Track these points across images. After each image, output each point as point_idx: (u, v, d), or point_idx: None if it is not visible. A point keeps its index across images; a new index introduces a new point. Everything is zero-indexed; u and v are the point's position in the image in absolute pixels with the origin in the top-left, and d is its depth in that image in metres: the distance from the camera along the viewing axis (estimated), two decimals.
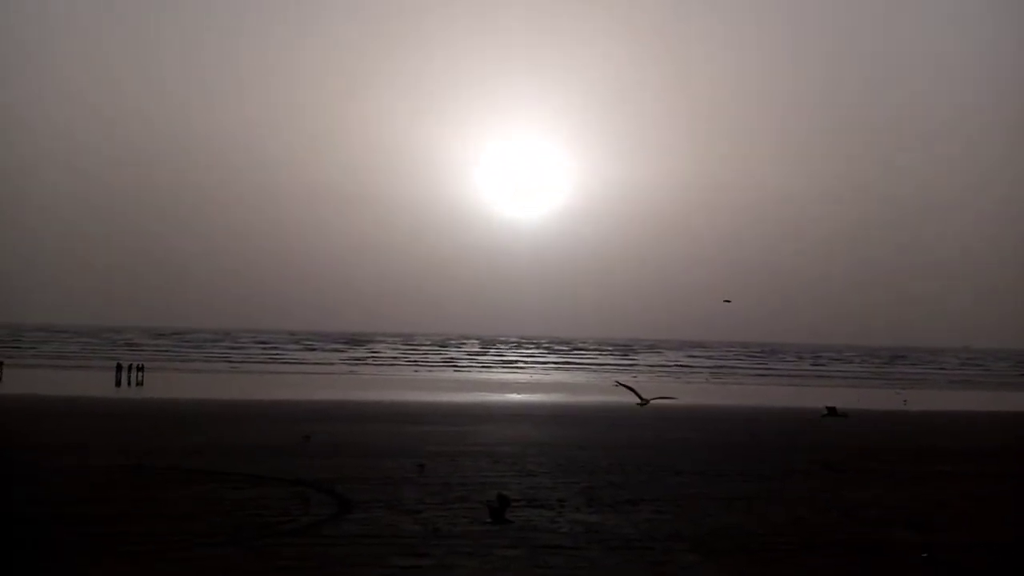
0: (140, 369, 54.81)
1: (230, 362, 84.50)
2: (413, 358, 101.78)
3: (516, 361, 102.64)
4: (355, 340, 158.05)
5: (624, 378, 71.14)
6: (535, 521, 13.81)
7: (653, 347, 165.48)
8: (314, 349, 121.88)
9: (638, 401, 19.13)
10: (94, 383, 49.27)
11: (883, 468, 20.70)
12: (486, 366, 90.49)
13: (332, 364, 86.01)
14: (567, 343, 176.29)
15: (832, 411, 17.59)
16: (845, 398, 54.08)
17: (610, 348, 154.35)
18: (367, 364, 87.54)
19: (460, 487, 16.69)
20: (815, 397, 53.49)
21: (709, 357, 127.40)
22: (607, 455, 21.80)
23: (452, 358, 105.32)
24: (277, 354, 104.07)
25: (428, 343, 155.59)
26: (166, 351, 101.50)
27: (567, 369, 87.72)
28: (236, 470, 17.92)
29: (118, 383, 49.37)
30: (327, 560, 11.17)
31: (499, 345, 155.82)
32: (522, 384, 60.25)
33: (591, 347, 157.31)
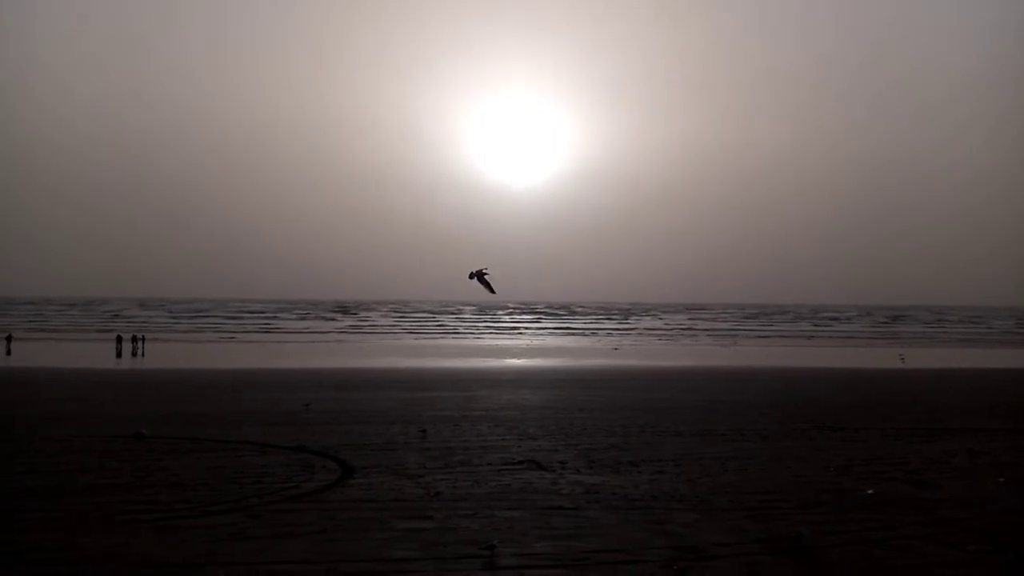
0: (141, 340, 54.98)
1: (226, 332, 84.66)
2: (411, 325, 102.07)
3: (514, 326, 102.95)
4: (350, 308, 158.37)
5: (620, 342, 71.42)
6: (536, 484, 13.93)
7: (652, 310, 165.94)
8: (309, 317, 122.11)
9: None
10: (94, 355, 49.39)
11: (882, 426, 20.87)
12: (484, 332, 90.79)
13: (329, 332, 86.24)
14: (565, 308, 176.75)
15: None
16: (843, 357, 54.41)
17: (609, 312, 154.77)
18: (364, 332, 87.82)
19: (461, 451, 16.82)
20: (813, 356, 53.83)
21: (709, 319, 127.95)
22: (607, 418, 21.95)
23: (450, 325, 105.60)
24: (272, 324, 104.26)
25: (425, 310, 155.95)
26: (157, 322, 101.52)
27: (565, 334, 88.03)
28: (238, 438, 18.03)
29: (119, 354, 49.51)
30: (331, 524, 11.28)
31: (497, 311, 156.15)
32: (521, 349, 60.50)
33: (589, 312, 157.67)
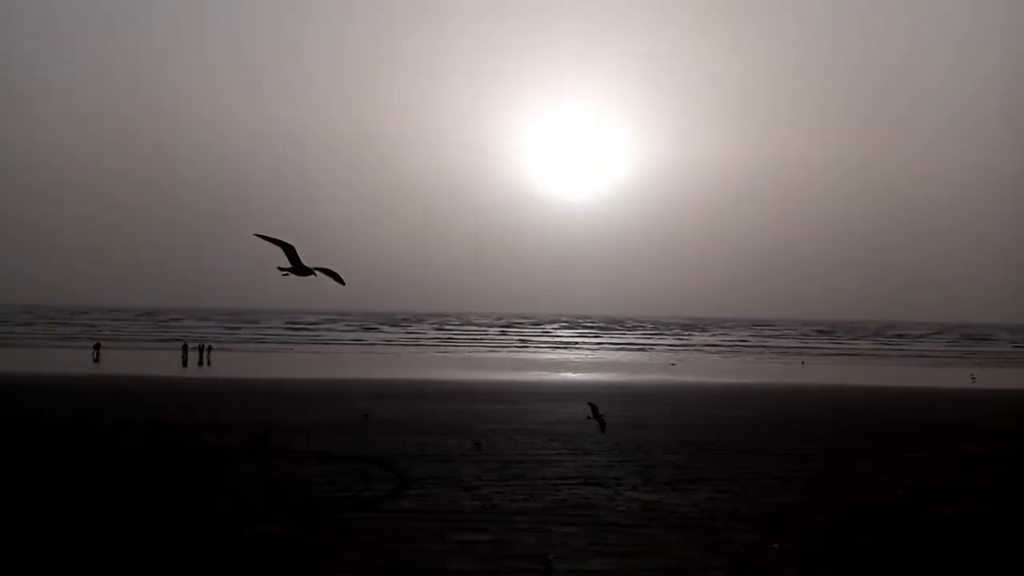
0: (208, 349, 56.61)
1: (283, 342, 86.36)
2: (465, 338, 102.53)
3: (570, 340, 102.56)
4: (404, 320, 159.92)
5: (677, 357, 70.45)
6: (592, 499, 13.80)
7: (713, 325, 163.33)
8: (363, 329, 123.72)
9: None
10: (162, 363, 50.95)
11: (951, 448, 20.10)
12: (540, 345, 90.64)
13: (384, 344, 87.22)
14: (622, 322, 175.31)
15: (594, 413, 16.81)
16: (913, 376, 52.62)
17: (668, 327, 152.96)
18: (420, 344, 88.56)
19: (517, 464, 16.79)
20: (881, 375, 52.21)
21: (774, 335, 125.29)
22: (664, 434, 21.65)
23: (507, 337, 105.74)
24: (326, 335, 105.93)
25: (483, 323, 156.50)
26: (215, 332, 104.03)
27: (622, 349, 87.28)
28: (298, 447, 18.34)
29: (185, 363, 50.99)
30: (388, 534, 11.36)
31: (554, 324, 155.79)
32: (577, 363, 60.19)
33: (648, 326, 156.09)
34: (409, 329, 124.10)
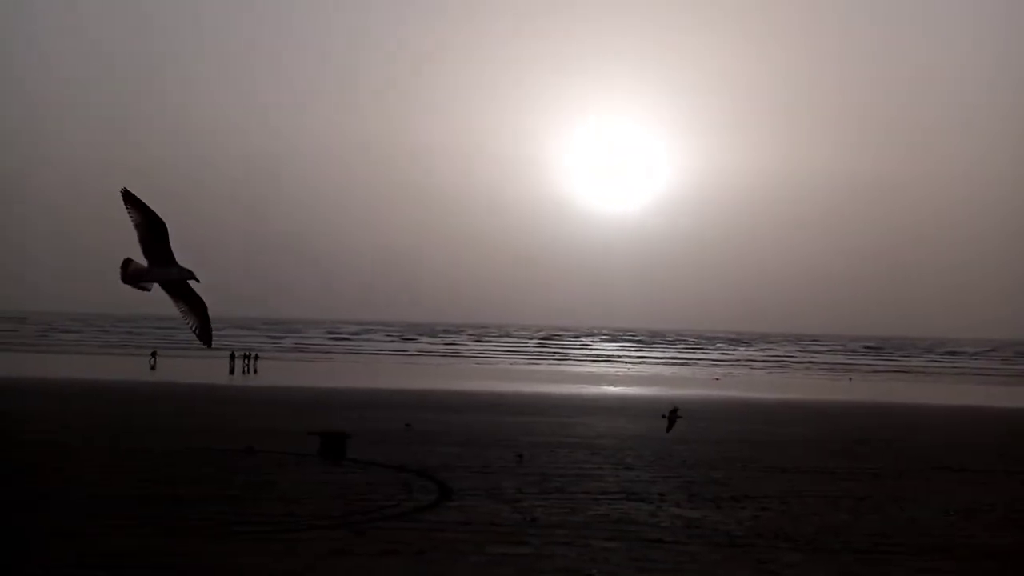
0: (255, 358, 57.63)
1: (326, 351, 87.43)
2: (506, 350, 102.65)
3: (612, 354, 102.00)
4: (444, 331, 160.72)
5: (721, 372, 69.56)
6: (634, 515, 13.70)
7: (759, 340, 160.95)
8: (409, 339, 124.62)
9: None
10: (210, 371, 51.98)
11: (1008, 468, 19.49)
12: (581, 358, 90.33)
13: (426, 355, 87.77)
14: (664, 336, 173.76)
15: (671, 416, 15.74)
16: (966, 394, 51.16)
17: (713, 341, 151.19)
18: (461, 355, 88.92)
19: (558, 478, 16.74)
20: (933, 392, 50.86)
21: (822, 351, 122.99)
22: (708, 450, 21.40)
23: (547, 350, 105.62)
24: (368, 345, 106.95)
25: (524, 334, 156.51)
26: (258, 341, 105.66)
27: (665, 363, 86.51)
28: (343, 455, 18.54)
29: (232, 371, 51.96)
30: (430, 544, 11.43)
31: (594, 337, 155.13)
32: (618, 377, 59.83)
33: (691, 340, 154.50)
34: (449, 340, 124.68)
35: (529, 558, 10.97)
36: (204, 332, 8.18)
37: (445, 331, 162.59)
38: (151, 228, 7.79)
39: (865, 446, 23.14)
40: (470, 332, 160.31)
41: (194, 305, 8.09)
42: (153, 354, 60.10)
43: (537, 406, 33.09)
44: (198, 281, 7.99)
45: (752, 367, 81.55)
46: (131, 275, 7.72)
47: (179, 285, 8.00)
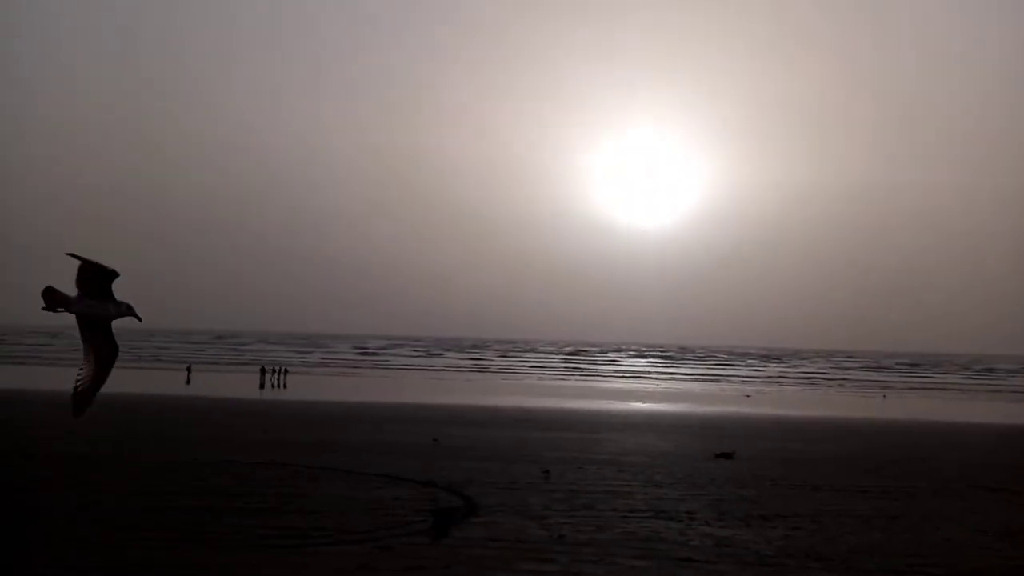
0: (284, 372, 58.22)
1: (353, 366, 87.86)
2: (533, 365, 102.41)
3: (641, 370, 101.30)
4: (471, 346, 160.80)
5: (752, 388, 68.76)
6: (663, 533, 13.54)
7: (791, 356, 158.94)
8: (435, 354, 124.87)
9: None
10: (239, 385, 52.53)
11: None
12: (610, 374, 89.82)
13: (453, 369, 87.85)
14: (695, 352, 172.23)
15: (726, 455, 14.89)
16: (1009, 413, 50.01)
17: (742, 357, 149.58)
18: (488, 370, 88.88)
19: (586, 495, 16.62)
20: (970, 410, 49.80)
21: (857, 367, 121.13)
22: (738, 468, 21.12)
23: (574, 366, 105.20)
24: (393, 359, 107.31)
25: (551, 350, 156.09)
26: (284, 356, 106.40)
27: (695, 379, 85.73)
28: (370, 470, 18.60)
29: (262, 385, 52.48)
30: (456, 561, 11.38)
31: (622, 353, 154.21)
32: (648, 393, 59.39)
33: (721, 356, 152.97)
34: (475, 355, 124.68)
35: (557, 575, 10.87)
36: (86, 392, 6.92)
37: (472, 346, 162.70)
38: (102, 272, 7.24)
39: (899, 464, 22.69)
40: (496, 347, 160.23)
41: (103, 354, 7.12)
42: (188, 368, 61.20)
43: (564, 422, 32.93)
44: (140, 320, 7.42)
45: (784, 384, 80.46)
46: (55, 303, 7.02)
47: (102, 324, 7.20)
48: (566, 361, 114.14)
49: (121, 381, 52.63)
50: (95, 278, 7.16)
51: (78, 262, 7.22)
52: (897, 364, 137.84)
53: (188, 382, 52.80)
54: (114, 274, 7.13)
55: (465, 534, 12.93)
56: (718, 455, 11.27)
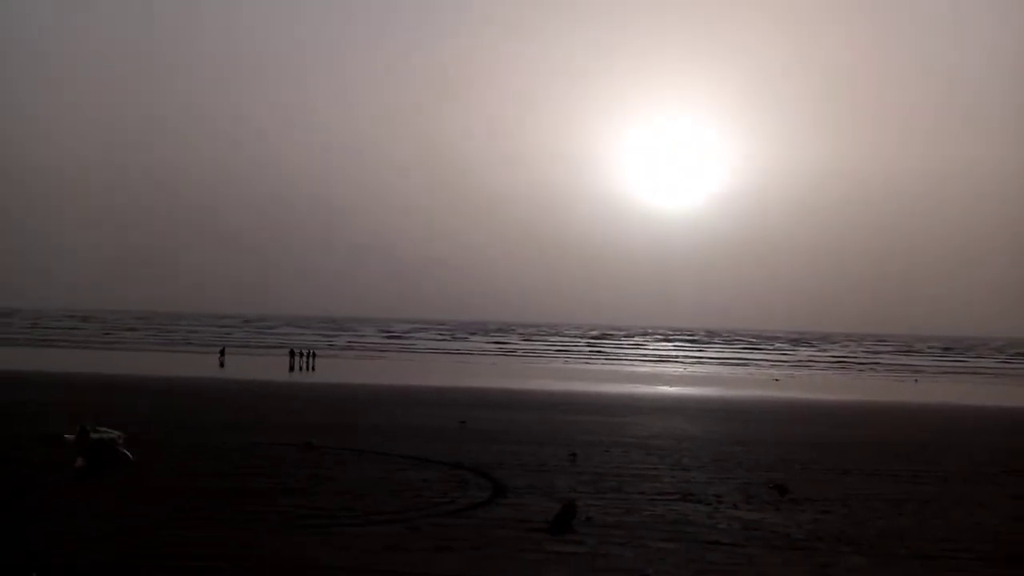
0: (312, 356, 58.81)
1: (381, 349, 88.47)
2: (561, 349, 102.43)
3: (669, 354, 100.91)
4: (498, 330, 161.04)
5: (781, 372, 68.24)
6: (691, 516, 13.55)
7: (823, 340, 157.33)
8: (460, 338, 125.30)
9: None
10: (270, 368, 53.17)
11: None
12: (636, 358, 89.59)
13: (481, 353, 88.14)
14: (721, 335, 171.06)
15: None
16: None
17: (770, 341, 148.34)
18: (516, 354, 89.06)
19: (613, 478, 16.66)
20: (1003, 394, 49.02)
21: (889, 351, 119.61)
22: (766, 452, 21.03)
23: (601, 349, 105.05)
24: (424, 343, 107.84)
25: (576, 333, 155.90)
26: (311, 339, 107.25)
27: (722, 363, 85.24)
28: (399, 452, 18.78)
29: (292, 368, 53.07)
30: (485, 542, 11.49)
31: (649, 337, 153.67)
32: (675, 377, 59.18)
33: (750, 340, 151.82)
34: (500, 339, 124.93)
35: (585, 557, 10.94)
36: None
37: (497, 330, 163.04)
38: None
39: (931, 449, 22.44)
40: (521, 331, 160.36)
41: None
42: (222, 351, 62.05)
43: (591, 405, 32.95)
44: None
45: (813, 368, 79.74)
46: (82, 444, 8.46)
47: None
48: (591, 345, 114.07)
49: (155, 365, 53.35)
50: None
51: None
52: (929, 348, 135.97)
53: (222, 365, 53.56)
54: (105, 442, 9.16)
55: (493, 515, 13.05)
56: (772, 487, 10.63)
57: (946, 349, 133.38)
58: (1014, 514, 14.38)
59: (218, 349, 65.65)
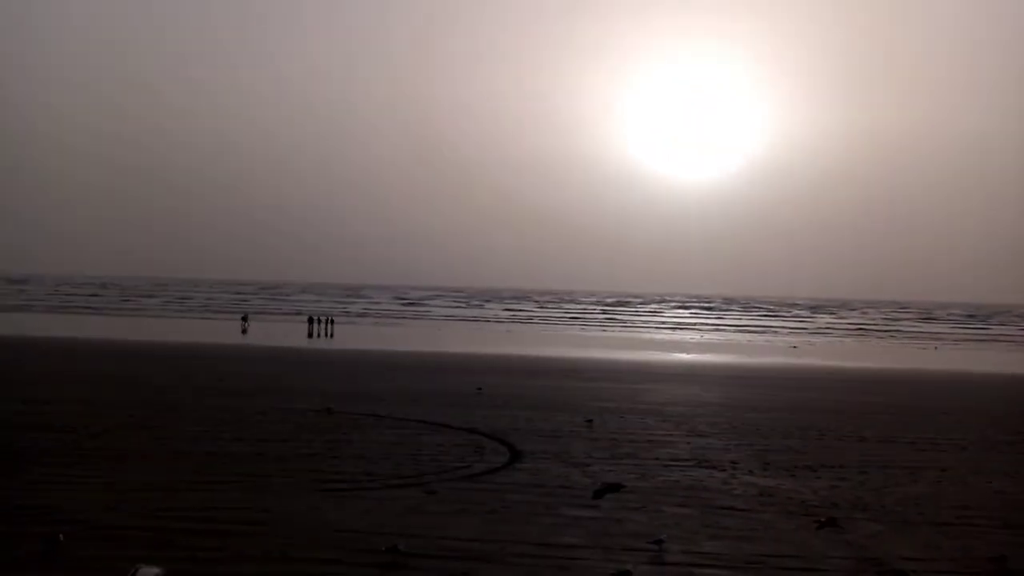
0: (331, 322, 59.18)
1: (394, 316, 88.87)
2: (577, 316, 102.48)
3: (686, 321, 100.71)
4: (511, 297, 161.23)
5: (799, 340, 67.99)
6: (706, 482, 13.60)
7: (843, 308, 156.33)
8: (475, 305, 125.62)
9: None
10: (290, 334, 53.63)
11: None
12: (655, 325, 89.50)
13: (496, 321, 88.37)
14: (739, 302, 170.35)
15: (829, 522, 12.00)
16: None
17: (789, 309, 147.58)
18: (531, 321, 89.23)
19: (628, 443, 16.73)
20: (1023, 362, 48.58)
21: (911, 318, 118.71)
22: (783, 418, 21.02)
23: (619, 317, 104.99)
24: (441, 310, 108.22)
25: (592, 300, 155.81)
26: (326, 306, 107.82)
27: (741, 330, 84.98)
28: (416, 417, 18.95)
29: (310, 335, 53.49)
30: (501, 506, 11.60)
31: (666, 304, 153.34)
32: (692, 344, 59.10)
33: (769, 307, 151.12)
34: (516, 307, 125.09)
35: (601, 522, 11.03)
36: None
37: (513, 297, 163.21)
38: None
39: (950, 416, 22.33)
40: (536, 298, 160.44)
41: None
42: (244, 318, 62.36)
43: (607, 372, 33.02)
44: None
45: (832, 335, 79.35)
46: None
47: None
48: (607, 312, 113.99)
49: (177, 330, 53.79)
50: None
51: None
52: (950, 315, 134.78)
53: (244, 332, 53.93)
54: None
55: (510, 479, 13.17)
56: (819, 525, 10.08)
57: (968, 316, 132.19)
58: None
59: (240, 316, 66.01)
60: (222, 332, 53.53)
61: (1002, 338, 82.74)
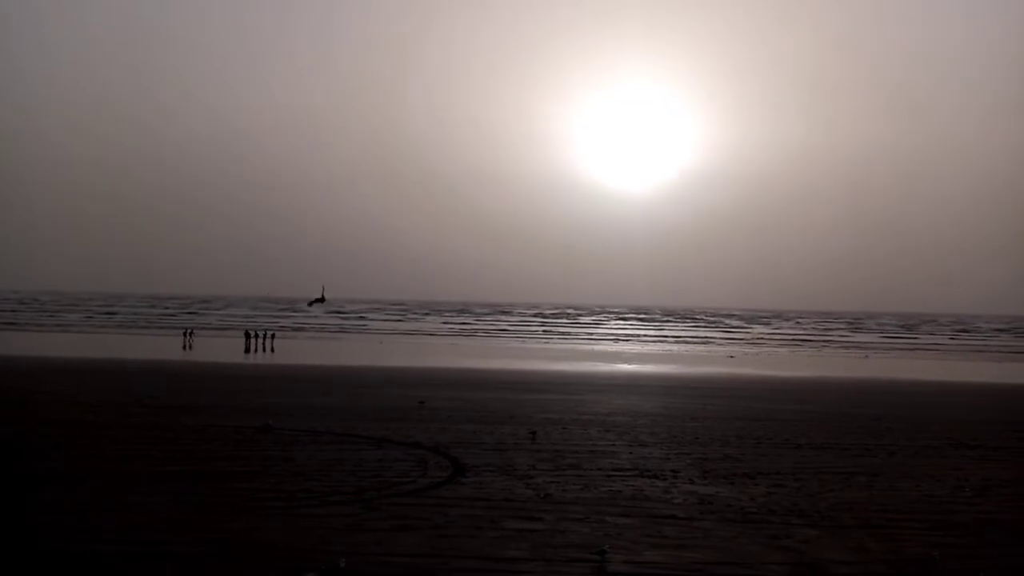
0: (272, 337, 58.05)
1: (340, 330, 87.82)
2: (519, 328, 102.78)
3: (626, 332, 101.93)
4: (460, 310, 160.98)
5: (736, 350, 69.52)
6: (647, 491, 13.74)
7: (776, 318, 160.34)
8: (418, 319, 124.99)
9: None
10: (226, 349, 52.37)
11: (1022, 445, 19.40)
12: (595, 337, 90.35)
13: (440, 334, 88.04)
14: (677, 314, 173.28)
15: None
16: (989, 372, 50.88)
17: (727, 320, 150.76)
18: (474, 334, 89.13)
19: (571, 455, 16.80)
20: (949, 370, 50.58)
21: (842, 328, 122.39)
22: (721, 427, 21.40)
23: (557, 328, 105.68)
24: (379, 323, 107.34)
25: (532, 313, 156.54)
26: (267, 320, 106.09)
27: (678, 341, 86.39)
28: (357, 432, 18.68)
29: (247, 350, 52.30)
30: (444, 521, 11.51)
31: (607, 316, 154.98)
32: (632, 355, 59.82)
33: (707, 319, 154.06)
34: (457, 319, 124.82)
35: (544, 534, 11.03)
36: None
37: (453, 310, 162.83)
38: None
39: (881, 423, 23.07)
40: (477, 311, 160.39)
41: None
42: (187, 333, 60.31)
43: (550, 384, 33.16)
44: None
45: (767, 345, 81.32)
46: None
47: None
48: (548, 324, 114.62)
49: (105, 345, 51.68)
50: None
51: None
52: (880, 324, 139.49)
53: (188, 348, 52.23)
54: None
55: (454, 494, 13.07)
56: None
57: (897, 326, 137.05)
58: (958, 484, 14.87)
59: (184, 331, 63.79)
60: (156, 347, 51.96)
61: (930, 347, 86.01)
